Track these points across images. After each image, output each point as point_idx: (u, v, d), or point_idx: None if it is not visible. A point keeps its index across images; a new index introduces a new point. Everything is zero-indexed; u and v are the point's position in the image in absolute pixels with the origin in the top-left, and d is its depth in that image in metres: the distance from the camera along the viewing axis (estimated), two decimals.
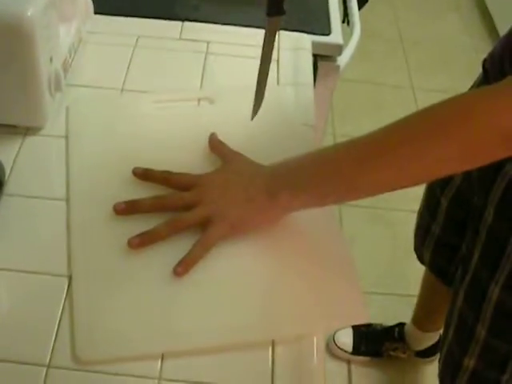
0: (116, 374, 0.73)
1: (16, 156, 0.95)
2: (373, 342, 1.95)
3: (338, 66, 1.30)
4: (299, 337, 0.78)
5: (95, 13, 1.17)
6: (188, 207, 0.85)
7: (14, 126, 0.98)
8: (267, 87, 0.97)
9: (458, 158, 0.75)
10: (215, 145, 0.96)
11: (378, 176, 0.78)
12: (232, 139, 0.96)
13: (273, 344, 0.77)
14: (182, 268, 0.81)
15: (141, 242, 0.82)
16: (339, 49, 1.26)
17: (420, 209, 1.50)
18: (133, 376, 0.73)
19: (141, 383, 0.73)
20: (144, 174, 0.90)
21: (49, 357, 0.74)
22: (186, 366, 0.75)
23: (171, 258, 0.81)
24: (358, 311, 0.82)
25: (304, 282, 0.82)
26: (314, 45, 1.22)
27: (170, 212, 0.86)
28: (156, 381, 0.73)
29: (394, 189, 0.81)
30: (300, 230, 0.87)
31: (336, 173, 0.81)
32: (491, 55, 1.14)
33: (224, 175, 0.90)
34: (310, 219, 0.86)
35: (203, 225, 0.84)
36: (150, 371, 0.74)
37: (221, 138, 0.97)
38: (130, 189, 0.89)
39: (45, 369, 0.73)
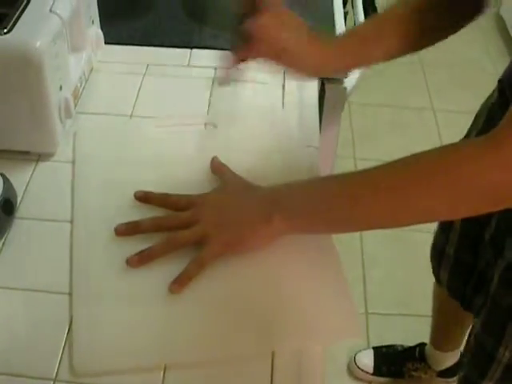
0: None
1: (28, 181, 0.99)
2: (394, 362, 1.94)
3: (345, 89, 1.33)
4: (297, 350, 0.80)
5: (106, 43, 1.22)
6: (185, 226, 0.88)
7: (27, 152, 1.03)
8: (272, 110, 1.00)
9: (443, 211, 0.78)
10: (216, 167, 0.99)
11: (367, 216, 0.80)
12: (236, 162, 0.99)
13: (272, 357, 0.79)
14: (177, 285, 0.83)
15: (139, 260, 0.86)
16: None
17: (435, 231, 1.51)
18: None
19: None
20: (144, 197, 0.94)
21: (55, 371, 0.77)
22: (188, 379, 0.77)
23: (169, 275, 0.84)
24: (352, 327, 0.84)
25: (299, 299, 0.84)
26: None
27: (168, 232, 0.88)
28: None
29: (383, 227, 0.86)
30: (295, 248, 0.88)
31: (328, 206, 0.83)
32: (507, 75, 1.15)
33: (221, 196, 0.93)
34: (305, 237, 0.88)
35: (199, 243, 0.86)
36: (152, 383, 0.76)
37: (225, 160, 1.00)
38: (132, 211, 0.92)
39: (51, 382, 0.76)
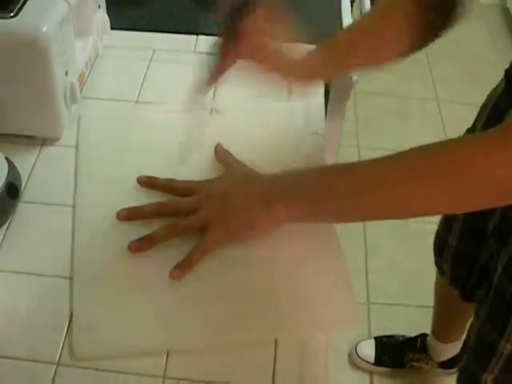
0: (123, 373, 0.76)
1: (33, 165, 0.99)
2: (395, 352, 1.94)
3: (351, 78, 1.32)
4: (300, 338, 0.81)
5: (112, 28, 1.21)
6: (187, 213, 0.88)
7: (32, 137, 1.03)
8: (276, 98, 1.00)
9: (448, 205, 0.78)
10: (220, 154, 0.99)
11: (369, 206, 0.80)
12: (240, 149, 0.99)
13: (275, 344, 0.79)
14: (179, 271, 0.84)
15: (141, 245, 0.86)
16: None
17: (439, 223, 1.51)
18: (138, 374, 0.76)
19: (146, 381, 0.76)
20: (148, 182, 0.94)
21: (58, 355, 0.77)
22: (190, 365, 0.77)
23: (171, 261, 0.84)
24: (352, 317, 0.84)
25: (301, 287, 0.85)
26: None
27: (171, 218, 0.89)
28: (160, 379, 0.76)
29: (385, 218, 0.85)
30: (297, 236, 0.89)
31: (331, 195, 0.82)
32: None
33: (224, 182, 0.93)
34: (307, 226, 0.88)
35: (201, 230, 0.86)
36: (154, 369, 0.76)
37: (229, 147, 1.00)
38: (135, 196, 0.93)
39: (54, 366, 0.76)
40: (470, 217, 1.33)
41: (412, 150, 0.76)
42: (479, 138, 0.76)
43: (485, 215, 1.22)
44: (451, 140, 0.76)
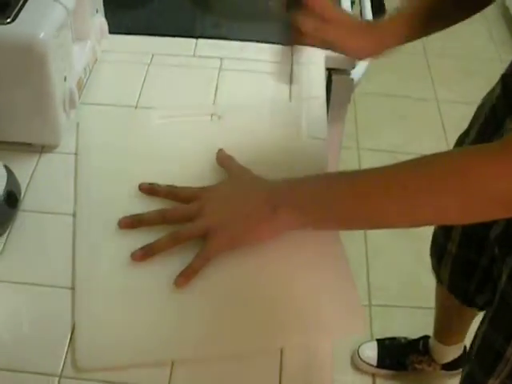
0: None
1: (32, 173, 0.98)
2: (397, 355, 1.93)
3: (352, 80, 1.31)
4: (306, 346, 0.79)
5: (110, 32, 1.20)
6: (190, 219, 0.87)
7: (30, 144, 1.01)
8: (278, 103, 0.99)
9: (453, 216, 0.78)
10: (222, 159, 0.97)
11: (373, 215, 0.80)
12: (242, 154, 0.97)
13: (281, 353, 0.78)
14: (183, 279, 0.82)
15: (143, 254, 0.85)
16: (352, 62, 1.28)
17: (434, 229, 1.50)
18: None
19: None
20: (149, 189, 0.93)
21: (61, 367, 0.76)
22: (196, 375, 0.76)
23: (175, 269, 0.83)
24: (357, 322, 0.83)
25: (306, 294, 0.84)
26: (327, 59, 1.23)
27: (173, 225, 0.87)
28: None
29: (394, 227, 0.84)
30: (301, 243, 0.87)
31: (335, 203, 0.82)
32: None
33: (227, 188, 0.91)
34: (311, 232, 0.87)
35: (204, 236, 0.85)
36: (159, 380, 0.75)
37: (231, 152, 0.98)
38: (136, 203, 0.91)
39: (57, 379, 0.75)
40: (469, 224, 1.32)
41: (420, 159, 0.76)
42: (484, 150, 0.75)
43: (487, 222, 1.21)
44: (458, 150, 0.76)
